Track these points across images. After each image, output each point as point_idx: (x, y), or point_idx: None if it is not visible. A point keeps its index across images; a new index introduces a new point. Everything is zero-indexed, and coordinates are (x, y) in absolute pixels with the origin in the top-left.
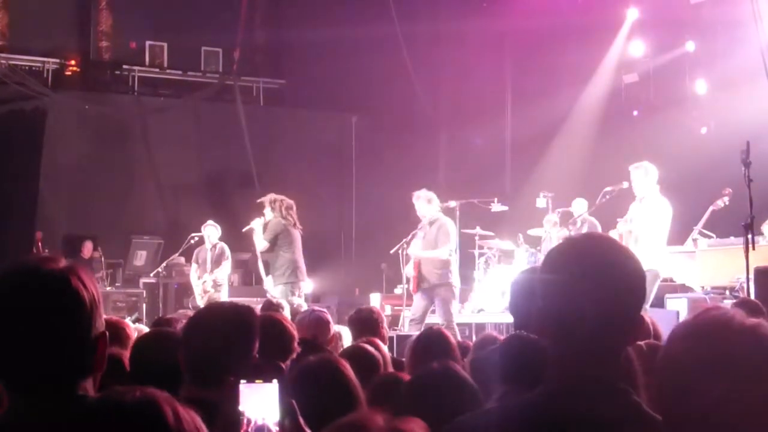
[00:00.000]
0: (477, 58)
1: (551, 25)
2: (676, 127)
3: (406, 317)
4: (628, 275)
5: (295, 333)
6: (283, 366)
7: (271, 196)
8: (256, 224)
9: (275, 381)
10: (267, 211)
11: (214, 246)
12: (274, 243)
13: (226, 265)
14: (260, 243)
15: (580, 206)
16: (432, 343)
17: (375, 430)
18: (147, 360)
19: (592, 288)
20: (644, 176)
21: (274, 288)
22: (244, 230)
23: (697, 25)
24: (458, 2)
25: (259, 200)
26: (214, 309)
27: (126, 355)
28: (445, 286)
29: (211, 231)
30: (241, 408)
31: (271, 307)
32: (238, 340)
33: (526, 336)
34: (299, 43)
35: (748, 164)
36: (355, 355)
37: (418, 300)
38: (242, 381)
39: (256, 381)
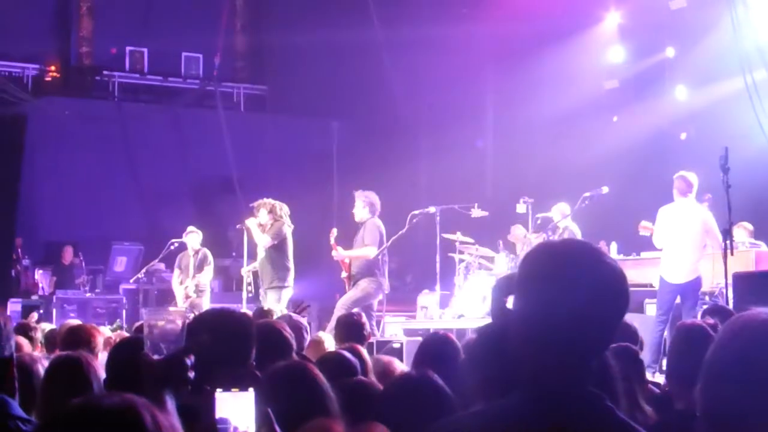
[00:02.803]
0: (458, 65)
1: (531, 32)
2: (656, 133)
3: (387, 323)
4: (603, 281)
5: (294, 341)
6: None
7: (270, 200)
8: (251, 223)
9: (251, 390)
10: (262, 213)
11: (197, 252)
12: (279, 245)
13: (209, 271)
14: (264, 238)
15: (560, 212)
16: (437, 348)
17: None
18: (123, 366)
19: (566, 293)
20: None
21: (264, 292)
22: (238, 226)
23: (677, 31)
24: (439, 9)
25: (255, 203)
26: (211, 315)
27: (89, 358)
28: (368, 277)
29: (193, 237)
30: (221, 416)
31: (262, 314)
32: (235, 348)
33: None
34: (280, 49)
35: (727, 170)
36: (332, 361)
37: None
38: (218, 389)
39: (233, 389)
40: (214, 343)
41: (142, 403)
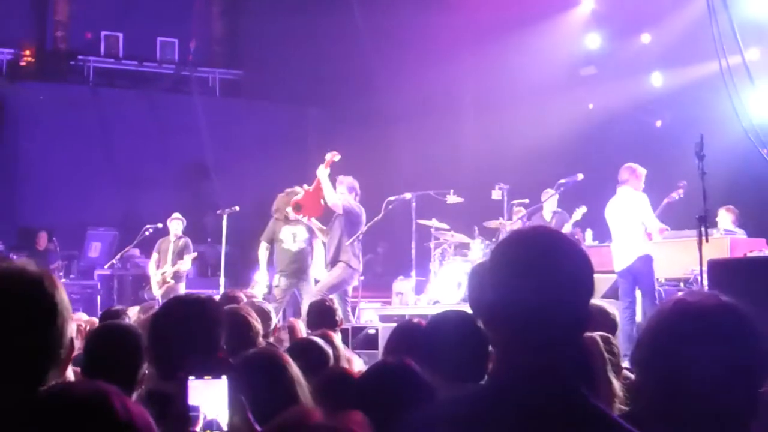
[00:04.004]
0: (435, 51)
1: (509, 19)
2: (632, 120)
3: (362, 309)
4: (575, 267)
5: (260, 326)
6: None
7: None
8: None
9: (224, 377)
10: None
11: (179, 238)
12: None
13: (188, 259)
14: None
15: (550, 198)
16: (407, 335)
17: (313, 427)
18: (100, 353)
19: (538, 280)
20: None
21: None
22: (219, 212)
23: (652, 16)
24: None
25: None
26: (180, 301)
27: None
28: (343, 262)
29: (176, 224)
30: (191, 403)
31: (229, 300)
32: (204, 334)
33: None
34: (256, 33)
35: (702, 157)
36: (304, 348)
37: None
38: (191, 377)
39: (205, 377)
40: (183, 330)
41: (114, 391)
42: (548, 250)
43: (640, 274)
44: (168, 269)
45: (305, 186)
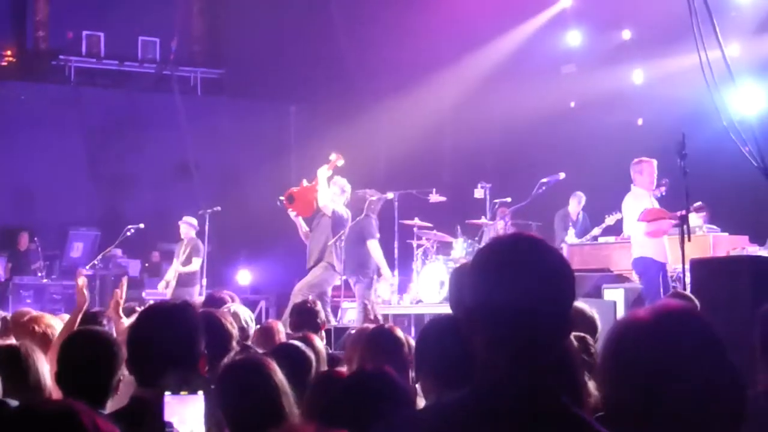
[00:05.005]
0: (417, 48)
1: (491, 15)
2: (613, 118)
3: (344, 309)
4: (554, 272)
5: (235, 331)
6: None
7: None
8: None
9: (200, 392)
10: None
11: (189, 240)
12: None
13: (196, 262)
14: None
15: (577, 201)
16: (383, 342)
17: None
18: (73, 361)
19: (519, 287)
20: None
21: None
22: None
23: (633, 13)
24: None
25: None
26: (159, 310)
27: (30, 349)
28: (325, 263)
29: (184, 227)
30: (167, 419)
31: (215, 300)
32: (182, 343)
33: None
34: (237, 32)
35: (684, 156)
36: (285, 353)
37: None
38: (167, 392)
39: (182, 392)
40: (162, 340)
41: (83, 409)
42: (528, 255)
43: (640, 275)
44: (171, 272)
45: (304, 182)
